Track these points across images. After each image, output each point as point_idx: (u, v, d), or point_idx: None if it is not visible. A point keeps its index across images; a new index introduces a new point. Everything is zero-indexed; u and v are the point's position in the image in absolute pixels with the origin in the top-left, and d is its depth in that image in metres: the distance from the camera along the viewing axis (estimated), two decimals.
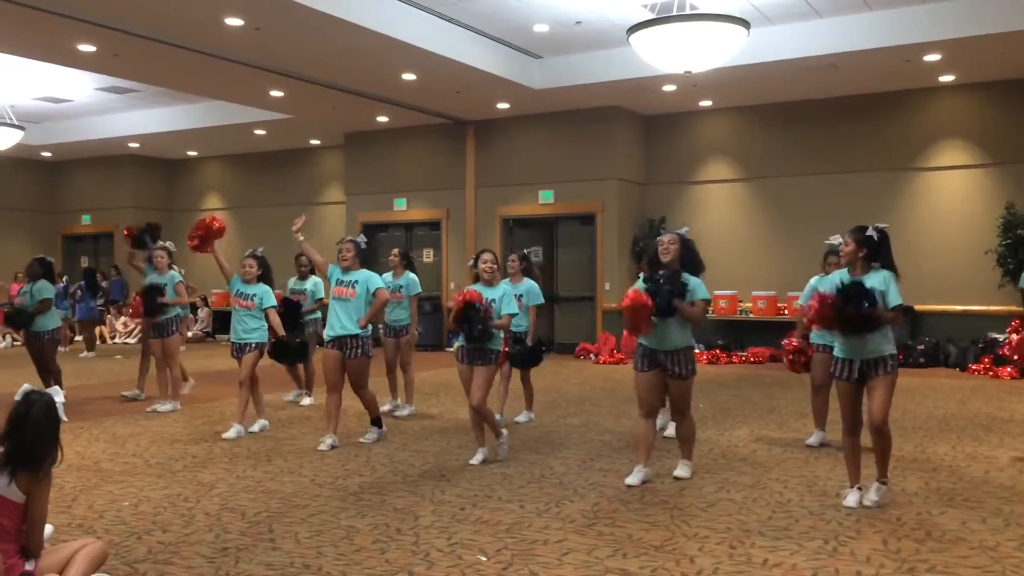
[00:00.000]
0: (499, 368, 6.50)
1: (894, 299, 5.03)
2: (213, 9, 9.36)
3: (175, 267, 9.46)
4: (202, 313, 18.04)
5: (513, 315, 6.45)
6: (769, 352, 13.03)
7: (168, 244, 9.27)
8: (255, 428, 7.60)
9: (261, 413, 7.76)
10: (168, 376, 8.81)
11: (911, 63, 11.54)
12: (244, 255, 7.78)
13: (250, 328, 7.56)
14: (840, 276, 5.19)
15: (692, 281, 5.62)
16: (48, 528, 3.80)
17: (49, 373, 8.69)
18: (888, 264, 5.15)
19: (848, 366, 5.11)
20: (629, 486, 5.60)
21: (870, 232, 5.14)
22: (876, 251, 5.13)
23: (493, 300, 6.31)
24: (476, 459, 6.32)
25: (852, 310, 4.89)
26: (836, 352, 5.21)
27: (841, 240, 6.62)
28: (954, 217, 12.90)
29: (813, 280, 6.86)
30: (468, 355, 6.28)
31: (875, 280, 5.05)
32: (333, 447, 6.83)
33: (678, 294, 5.50)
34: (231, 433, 7.34)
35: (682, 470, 5.82)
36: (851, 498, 5.11)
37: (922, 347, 12.39)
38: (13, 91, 14.26)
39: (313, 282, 9.29)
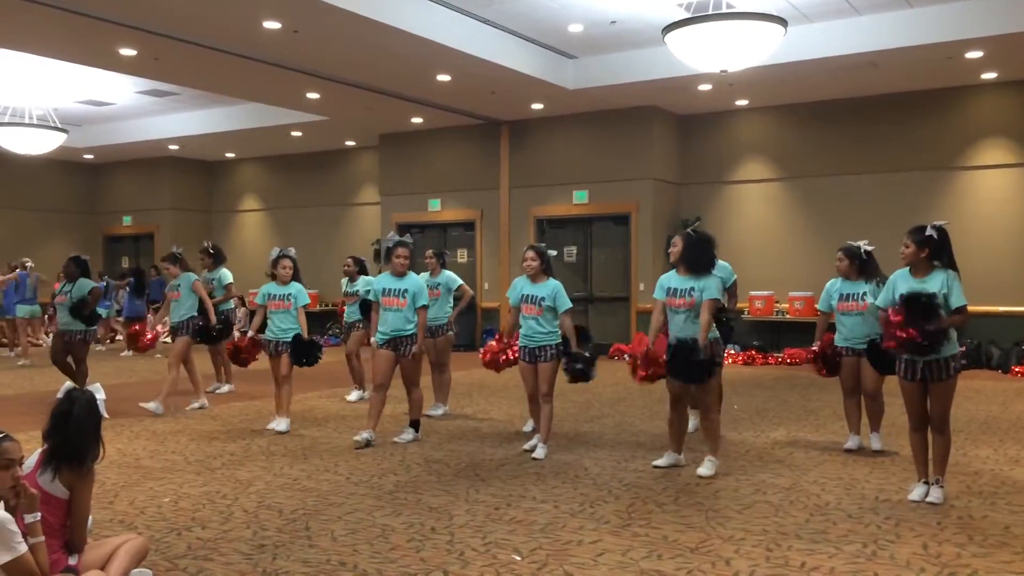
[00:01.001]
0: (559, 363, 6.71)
1: (957, 299, 5.01)
2: (251, 13, 9.48)
3: (224, 267, 10.06)
4: (239, 313, 18.22)
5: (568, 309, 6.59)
6: (806, 354, 12.85)
7: (176, 250, 9.11)
8: (284, 425, 7.76)
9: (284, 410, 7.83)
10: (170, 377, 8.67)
11: (952, 60, 11.35)
12: (276, 255, 7.78)
13: (286, 327, 7.65)
14: (899, 277, 5.21)
15: (699, 283, 5.82)
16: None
17: (79, 371, 8.80)
18: (950, 263, 5.10)
19: (912, 367, 5.10)
20: (655, 467, 5.96)
21: (929, 232, 5.09)
22: (938, 250, 5.09)
23: (543, 298, 6.48)
24: (531, 444, 6.60)
25: (921, 331, 4.87)
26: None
27: (862, 245, 6.64)
28: (996, 217, 12.67)
29: (828, 284, 6.80)
30: (529, 354, 6.57)
31: (937, 281, 5.02)
32: (369, 443, 6.88)
33: (696, 360, 5.72)
34: (282, 426, 7.58)
35: (705, 468, 5.88)
36: (916, 492, 5.21)
37: (964, 348, 12.17)
38: (56, 94, 14.54)
39: (364, 281, 9.37)
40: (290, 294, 7.65)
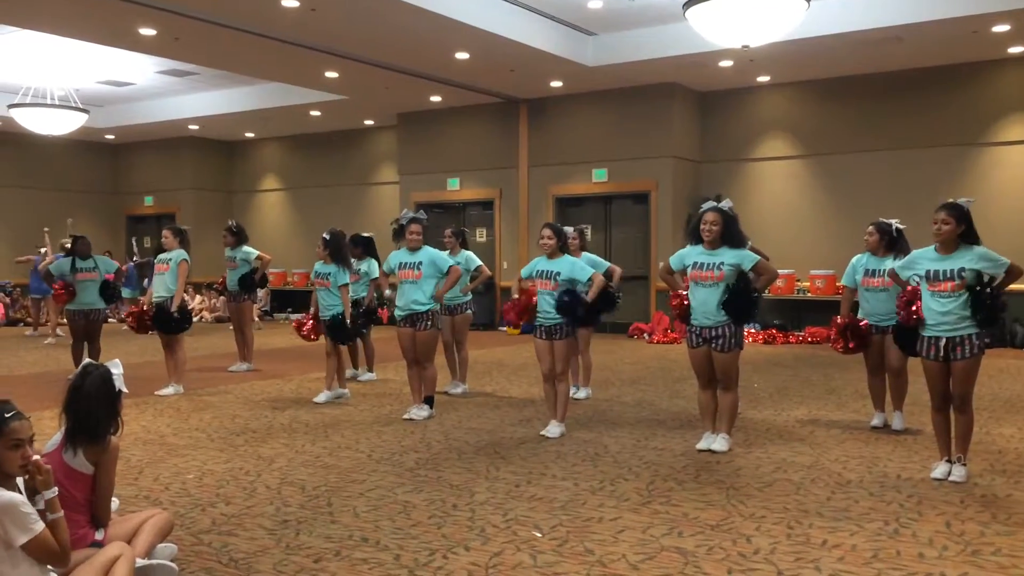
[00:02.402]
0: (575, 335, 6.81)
1: (995, 264, 4.98)
2: None
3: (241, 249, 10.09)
4: (260, 292, 18.31)
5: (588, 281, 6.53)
6: (827, 332, 12.79)
7: (181, 226, 9.01)
8: (324, 397, 8.09)
9: (342, 383, 8.25)
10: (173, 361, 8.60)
11: (978, 34, 11.16)
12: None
13: (330, 304, 8.09)
14: (923, 256, 5.19)
15: (732, 258, 5.79)
16: (114, 502, 3.89)
17: (94, 349, 8.84)
18: (975, 240, 5.10)
19: (934, 345, 5.06)
20: (699, 450, 5.87)
21: (966, 208, 5.09)
22: (970, 227, 5.08)
23: (559, 272, 6.48)
24: (551, 431, 6.48)
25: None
26: (923, 331, 5.15)
27: (894, 223, 6.54)
28: (1022, 193, 12.49)
29: (854, 259, 6.72)
30: (546, 332, 6.55)
31: (963, 258, 5.01)
32: (413, 419, 7.12)
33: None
34: (320, 398, 8.01)
35: (719, 443, 5.89)
36: (939, 470, 5.19)
37: None
38: (77, 75, 14.61)
39: (368, 263, 9.41)
40: (330, 273, 8.08)
